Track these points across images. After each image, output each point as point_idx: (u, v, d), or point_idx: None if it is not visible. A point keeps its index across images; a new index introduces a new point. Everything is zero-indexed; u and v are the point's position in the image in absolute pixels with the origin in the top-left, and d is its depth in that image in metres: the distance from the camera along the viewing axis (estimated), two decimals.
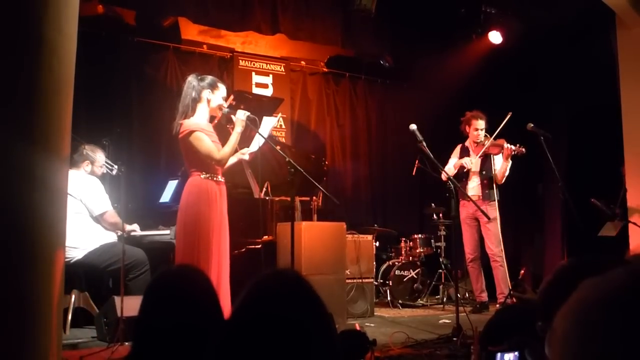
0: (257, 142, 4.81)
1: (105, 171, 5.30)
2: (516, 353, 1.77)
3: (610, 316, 0.74)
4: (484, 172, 6.50)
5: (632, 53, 6.39)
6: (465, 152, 6.65)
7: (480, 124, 6.49)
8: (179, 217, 4.40)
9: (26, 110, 2.62)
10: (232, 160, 4.61)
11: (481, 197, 6.48)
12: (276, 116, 4.66)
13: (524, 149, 6.20)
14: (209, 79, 4.49)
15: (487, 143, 6.40)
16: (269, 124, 4.84)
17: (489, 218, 6.05)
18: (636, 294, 0.75)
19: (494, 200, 6.38)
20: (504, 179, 6.40)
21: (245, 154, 4.71)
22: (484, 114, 6.55)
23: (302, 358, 1.18)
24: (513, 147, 6.20)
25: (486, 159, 6.52)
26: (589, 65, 7.13)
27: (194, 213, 4.31)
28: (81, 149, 5.20)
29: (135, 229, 5.32)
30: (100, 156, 5.29)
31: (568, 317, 0.78)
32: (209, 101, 4.44)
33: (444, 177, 5.89)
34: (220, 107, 4.48)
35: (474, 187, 6.55)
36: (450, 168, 6.51)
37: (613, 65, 6.59)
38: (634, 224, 5.99)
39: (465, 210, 6.55)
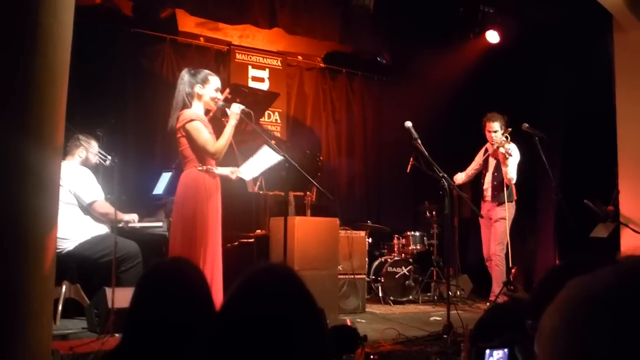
0: (252, 172, 4.85)
1: (99, 160, 5.28)
2: (505, 350, 1.77)
3: (598, 315, 0.75)
4: (495, 174, 6.56)
5: (628, 55, 6.40)
6: (486, 153, 6.74)
7: (494, 126, 6.45)
8: (176, 210, 4.38)
9: (20, 98, 2.61)
10: (221, 172, 4.60)
11: (490, 199, 6.59)
12: (281, 156, 4.67)
13: (509, 152, 6.20)
14: (200, 73, 4.48)
15: (495, 146, 6.41)
16: (270, 160, 4.86)
17: (480, 216, 6.23)
18: (623, 293, 0.75)
19: (504, 202, 6.35)
20: (513, 180, 6.37)
21: (233, 173, 4.74)
22: (501, 115, 6.50)
23: (292, 353, 1.18)
24: (502, 151, 6.22)
25: (499, 162, 6.54)
26: (585, 66, 7.14)
27: (192, 207, 4.30)
28: (74, 138, 5.18)
29: (133, 218, 5.30)
30: (94, 144, 5.28)
31: (556, 315, 0.79)
32: (200, 96, 4.43)
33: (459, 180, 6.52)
34: (214, 100, 4.48)
35: (487, 188, 6.65)
36: (461, 176, 6.77)
37: (609, 67, 6.60)
38: (626, 225, 6.01)
39: (482, 211, 6.64)
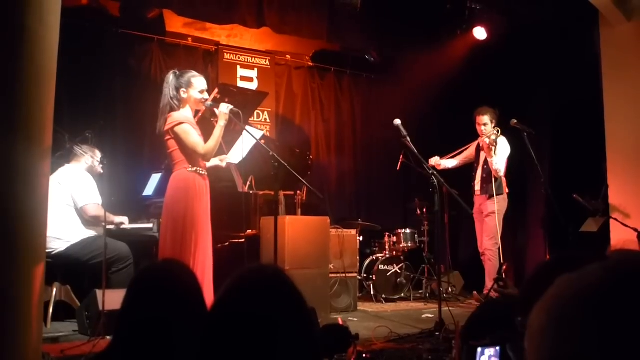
0: (239, 155, 4.86)
1: (102, 170, 5.31)
2: (497, 348, 1.78)
3: (586, 312, 0.75)
4: (484, 167, 6.56)
5: (614, 51, 6.44)
6: (478, 147, 6.73)
7: (483, 119, 6.50)
8: (165, 211, 4.37)
9: (7, 100, 2.60)
10: (211, 163, 4.62)
11: (480, 192, 6.60)
12: (263, 130, 4.70)
13: (493, 142, 6.24)
14: (185, 76, 4.45)
15: (484, 139, 6.42)
16: (255, 135, 4.88)
17: (469, 210, 6.16)
18: (611, 289, 0.75)
19: (493, 195, 6.35)
20: (500, 172, 6.37)
21: (223, 161, 4.76)
22: (491, 108, 6.54)
23: (282, 352, 1.18)
24: (487, 141, 6.27)
25: (489, 154, 6.50)
26: (573, 62, 7.17)
27: (182, 208, 4.30)
28: (79, 147, 5.18)
29: (124, 221, 5.29)
30: (98, 153, 5.32)
31: (544, 313, 0.79)
32: (185, 100, 4.42)
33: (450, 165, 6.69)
34: (201, 102, 4.46)
35: (478, 181, 6.66)
36: (451, 160, 6.78)
37: (596, 62, 6.63)
38: (615, 219, 6.05)
39: (474, 205, 6.66)
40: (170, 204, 4.36)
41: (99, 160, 5.29)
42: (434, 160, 6.57)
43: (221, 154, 4.80)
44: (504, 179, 6.48)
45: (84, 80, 6.49)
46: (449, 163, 6.73)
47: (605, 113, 6.49)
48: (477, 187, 6.65)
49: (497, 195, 6.35)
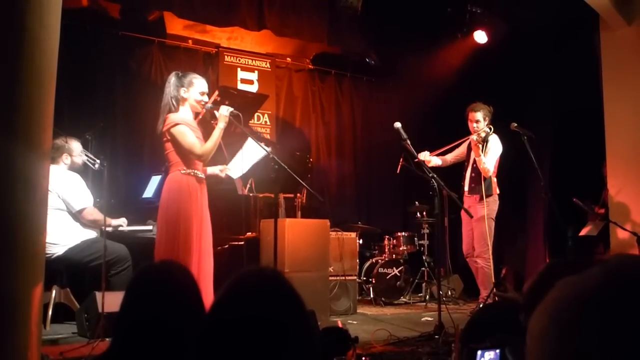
0: (240, 170, 4.86)
1: (85, 159, 5.23)
2: (497, 351, 1.78)
3: (587, 315, 0.74)
4: (474, 166, 6.14)
5: (615, 54, 6.44)
6: (469, 145, 6.28)
7: (475, 115, 6.07)
8: (160, 213, 4.36)
9: (7, 102, 2.59)
10: (211, 171, 4.61)
11: (468, 192, 6.18)
12: (268, 149, 4.71)
13: (480, 139, 5.95)
14: (187, 76, 4.46)
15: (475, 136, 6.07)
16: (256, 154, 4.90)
17: (470, 215, 5.80)
18: (612, 293, 0.75)
19: (482, 197, 5.96)
20: (488, 172, 5.96)
21: (223, 171, 4.75)
22: (485, 104, 6.15)
23: (280, 355, 1.18)
24: (475, 138, 5.95)
25: (477, 153, 6.07)
26: (573, 66, 7.18)
27: (175, 210, 4.28)
28: (54, 143, 5.10)
29: (122, 223, 5.27)
30: (75, 145, 5.22)
31: (544, 316, 0.79)
32: (184, 100, 4.41)
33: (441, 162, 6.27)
34: (200, 103, 4.46)
35: (467, 181, 6.24)
36: (442, 158, 6.34)
37: (597, 66, 6.64)
38: (615, 223, 6.04)
39: (464, 206, 6.09)
40: (164, 206, 4.35)
41: (79, 152, 5.20)
42: (423, 155, 5.98)
43: (221, 157, 4.79)
44: (494, 179, 6.09)
45: (84, 82, 6.50)
46: (439, 160, 6.29)
47: (606, 117, 6.49)
48: (466, 187, 6.22)
49: (486, 196, 5.98)
